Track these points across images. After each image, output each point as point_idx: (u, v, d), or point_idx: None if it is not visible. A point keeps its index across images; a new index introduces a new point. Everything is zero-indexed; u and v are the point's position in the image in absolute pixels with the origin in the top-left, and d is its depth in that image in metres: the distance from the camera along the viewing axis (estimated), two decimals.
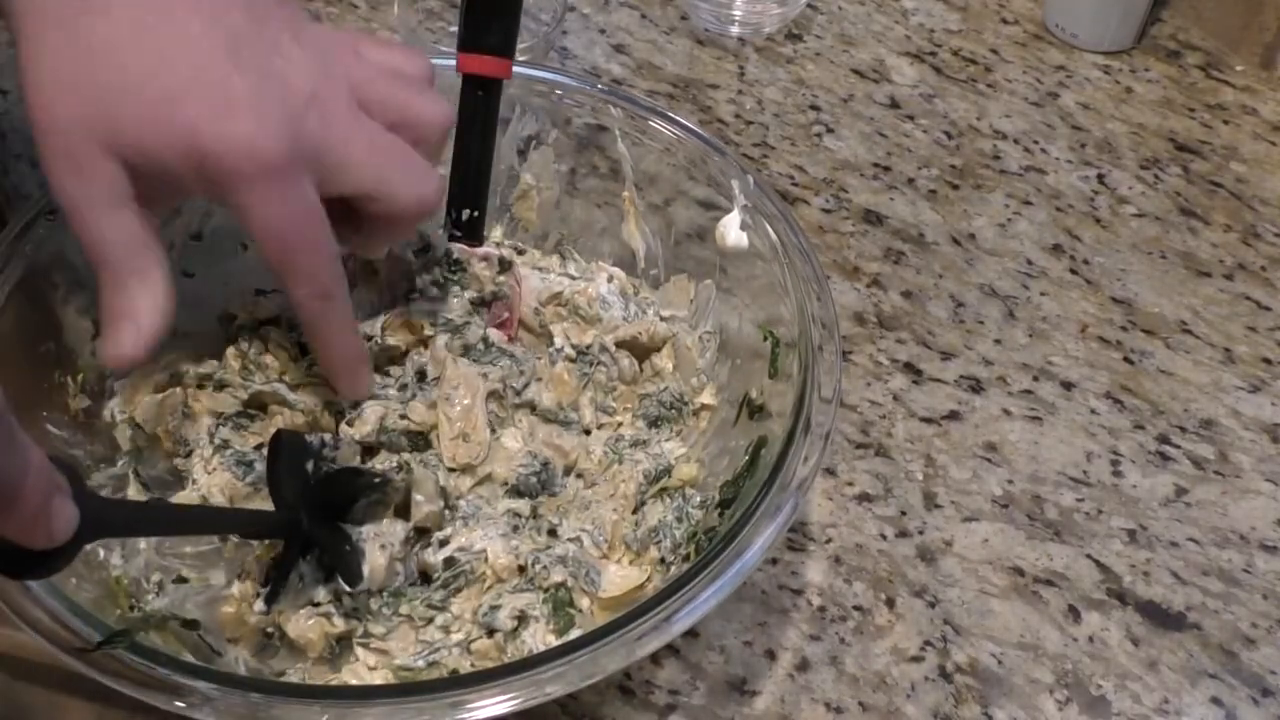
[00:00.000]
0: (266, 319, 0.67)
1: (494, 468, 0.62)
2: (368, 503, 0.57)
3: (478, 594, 0.59)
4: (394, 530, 0.57)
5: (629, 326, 0.67)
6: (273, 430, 0.63)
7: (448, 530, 0.60)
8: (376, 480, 0.57)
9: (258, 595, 0.56)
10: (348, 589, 0.56)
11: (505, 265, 0.67)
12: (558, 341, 0.67)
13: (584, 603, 0.58)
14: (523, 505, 0.61)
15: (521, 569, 0.59)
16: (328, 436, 0.59)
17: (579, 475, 0.64)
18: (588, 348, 0.66)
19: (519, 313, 0.68)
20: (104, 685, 0.47)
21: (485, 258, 0.67)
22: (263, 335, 0.66)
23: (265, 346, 0.66)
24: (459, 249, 0.67)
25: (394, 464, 0.60)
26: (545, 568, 0.58)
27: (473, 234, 0.67)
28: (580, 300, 0.68)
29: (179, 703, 0.47)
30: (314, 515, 0.55)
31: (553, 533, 0.61)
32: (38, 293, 0.61)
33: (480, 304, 0.67)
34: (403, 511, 0.59)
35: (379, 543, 0.56)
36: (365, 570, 0.56)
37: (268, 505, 0.60)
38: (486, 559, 0.59)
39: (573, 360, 0.66)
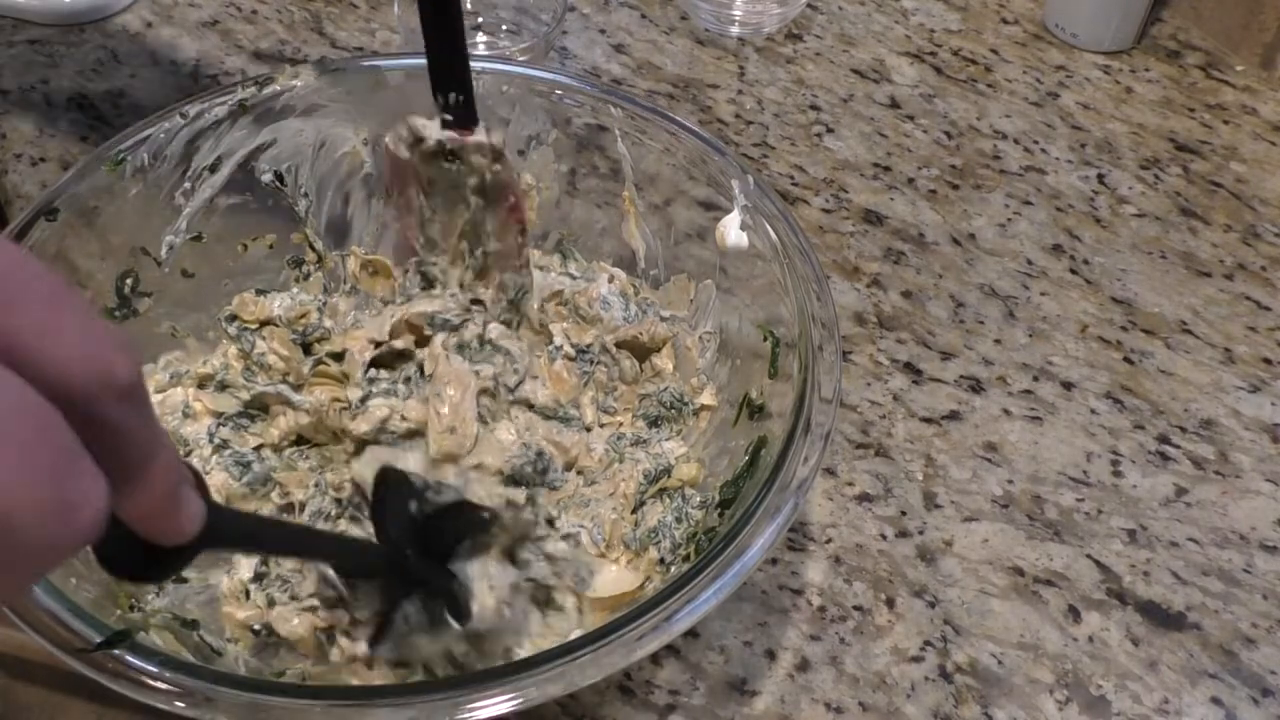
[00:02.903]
0: (268, 319, 0.67)
1: (485, 458, 0.61)
2: (473, 543, 0.56)
3: None
4: (503, 572, 0.56)
5: (629, 327, 0.67)
6: (274, 430, 0.63)
7: None
8: (484, 517, 0.56)
9: (357, 638, 0.54)
10: (457, 627, 0.54)
11: (498, 154, 0.64)
12: (557, 339, 0.67)
13: (569, 601, 0.58)
14: (518, 494, 0.61)
15: (511, 558, 0.58)
16: (432, 479, 0.57)
17: (579, 472, 0.64)
18: (588, 346, 0.66)
19: (524, 197, 0.65)
20: (104, 685, 0.47)
21: (478, 146, 0.64)
22: (265, 335, 0.66)
23: (268, 346, 0.66)
24: (449, 137, 0.63)
25: (502, 501, 0.58)
26: (529, 562, 0.58)
27: (464, 119, 0.63)
28: (581, 301, 0.68)
29: (179, 703, 0.47)
30: (420, 555, 0.53)
31: (551, 523, 0.61)
32: None
33: (481, 192, 0.65)
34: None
35: (487, 583, 0.55)
36: (475, 608, 0.54)
37: (264, 508, 0.60)
38: None
39: (571, 359, 0.66)
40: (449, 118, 0.63)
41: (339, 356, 0.65)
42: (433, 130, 0.62)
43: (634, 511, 0.62)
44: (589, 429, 0.65)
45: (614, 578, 0.58)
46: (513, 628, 0.56)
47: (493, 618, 0.55)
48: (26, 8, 0.93)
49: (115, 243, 0.65)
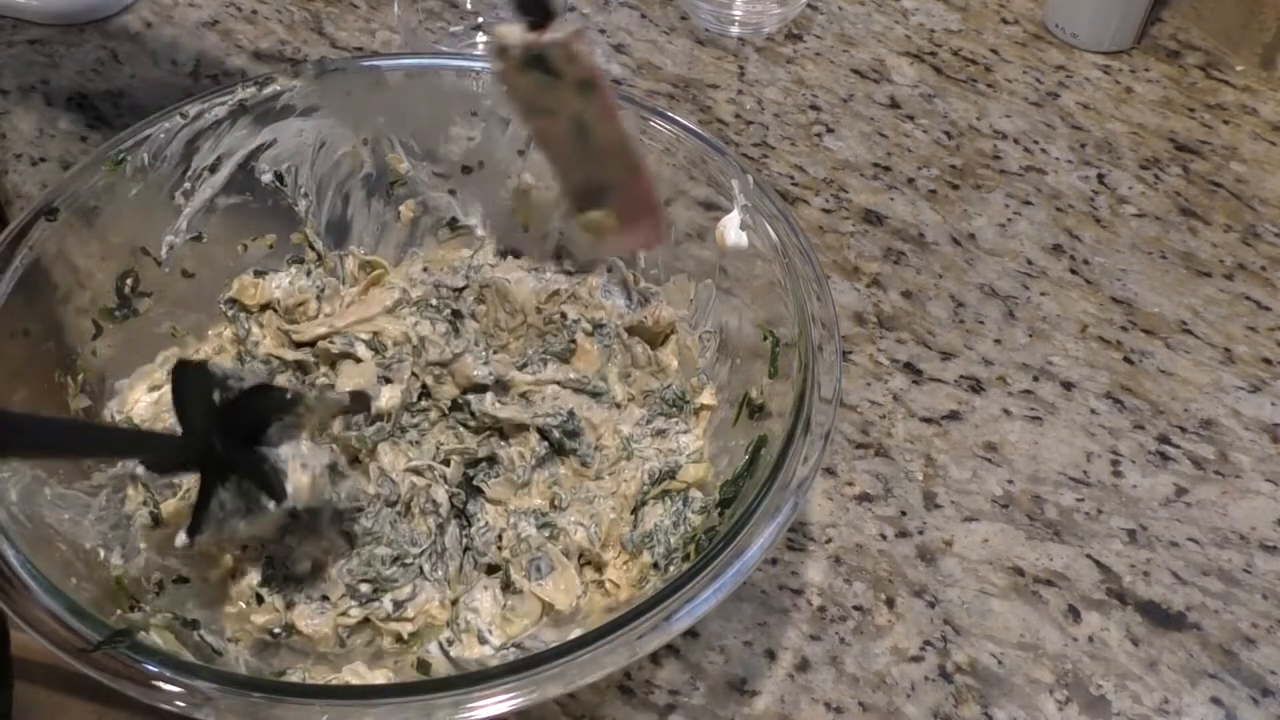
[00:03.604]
0: (268, 303, 0.67)
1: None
2: (281, 425, 0.56)
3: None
4: (317, 453, 0.56)
5: (635, 314, 0.67)
6: None
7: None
8: (287, 398, 0.56)
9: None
10: (272, 507, 0.55)
11: (568, 48, 0.60)
12: (572, 314, 0.67)
13: (524, 585, 0.58)
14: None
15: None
16: (229, 366, 0.57)
17: (584, 463, 0.64)
18: (601, 323, 0.67)
19: (605, 83, 0.62)
20: (104, 685, 0.47)
21: (554, 44, 0.59)
22: (263, 321, 0.67)
23: (260, 335, 0.66)
24: (528, 39, 0.59)
25: (308, 382, 0.60)
26: (508, 536, 0.60)
27: (540, 12, 0.59)
28: (581, 291, 0.68)
29: (179, 703, 0.47)
30: (227, 441, 0.54)
31: (555, 503, 0.62)
32: (38, 293, 0.61)
33: (579, 90, 0.62)
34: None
35: (299, 462, 0.56)
36: (289, 487, 0.55)
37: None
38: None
39: (590, 334, 0.66)
40: (529, 18, 0.59)
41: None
42: (514, 35, 0.59)
43: (634, 512, 0.62)
44: (619, 405, 0.65)
45: (564, 586, 0.58)
46: (333, 504, 0.58)
47: (308, 495, 0.55)
48: (26, 8, 0.93)
49: (115, 243, 0.65)
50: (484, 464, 0.63)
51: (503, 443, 0.64)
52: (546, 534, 0.60)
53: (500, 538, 0.61)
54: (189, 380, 0.54)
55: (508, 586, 0.59)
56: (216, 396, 0.54)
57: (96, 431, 0.56)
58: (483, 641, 0.57)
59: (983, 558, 0.66)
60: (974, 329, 0.77)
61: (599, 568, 0.60)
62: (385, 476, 0.61)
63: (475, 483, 0.63)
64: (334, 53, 0.93)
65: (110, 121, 0.86)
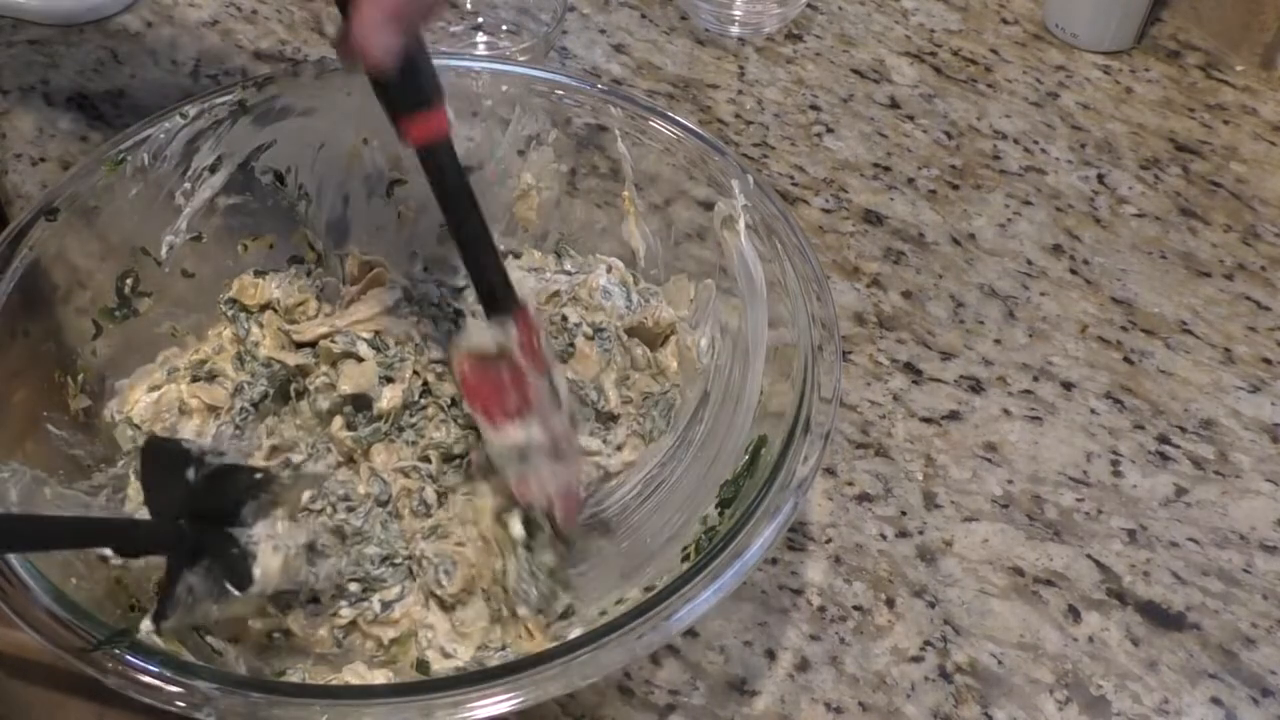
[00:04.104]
0: (268, 302, 0.67)
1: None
2: (257, 504, 0.54)
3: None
4: (293, 532, 0.55)
5: (634, 315, 0.67)
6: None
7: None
8: (258, 478, 0.54)
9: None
10: (237, 593, 0.53)
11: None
12: (573, 318, 0.66)
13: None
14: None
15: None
16: (207, 443, 0.56)
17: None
18: (603, 326, 0.66)
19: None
20: (104, 685, 0.47)
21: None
22: (263, 322, 0.66)
23: (260, 335, 0.66)
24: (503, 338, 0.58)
25: (281, 461, 0.59)
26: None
27: (504, 305, 0.58)
28: (581, 293, 0.68)
29: (179, 703, 0.47)
30: (197, 522, 0.52)
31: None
32: (38, 293, 0.61)
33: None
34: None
35: (272, 544, 0.54)
36: (256, 572, 0.53)
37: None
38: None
39: (590, 338, 0.66)
40: (489, 311, 0.59)
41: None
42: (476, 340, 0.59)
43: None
44: (614, 415, 0.65)
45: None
46: (309, 585, 0.56)
47: (278, 578, 0.54)
48: (26, 8, 0.93)
49: (115, 243, 0.65)
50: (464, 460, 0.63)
51: None
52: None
53: None
54: (157, 458, 0.52)
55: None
56: (191, 473, 0.52)
57: (62, 524, 0.54)
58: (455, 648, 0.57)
59: (983, 558, 0.66)
60: (974, 329, 0.77)
61: None
62: (376, 476, 0.61)
63: None
64: (334, 53, 0.93)
65: (110, 121, 0.86)
